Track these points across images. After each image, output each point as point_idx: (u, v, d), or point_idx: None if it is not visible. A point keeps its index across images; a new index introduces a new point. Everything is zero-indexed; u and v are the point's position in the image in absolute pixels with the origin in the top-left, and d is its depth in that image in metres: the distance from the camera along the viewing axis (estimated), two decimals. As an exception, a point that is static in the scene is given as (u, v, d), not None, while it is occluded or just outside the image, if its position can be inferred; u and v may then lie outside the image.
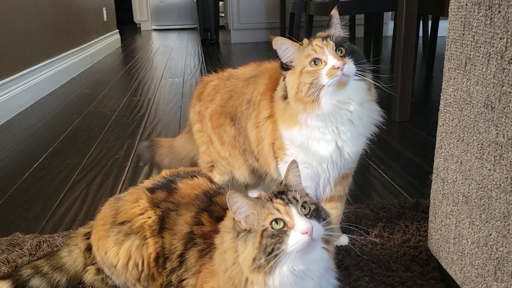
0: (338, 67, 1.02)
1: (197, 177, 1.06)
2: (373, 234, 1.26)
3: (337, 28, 1.10)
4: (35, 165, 1.94)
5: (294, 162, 0.84)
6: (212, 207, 0.95)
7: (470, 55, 0.80)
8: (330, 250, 0.83)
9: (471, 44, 0.79)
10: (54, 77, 3.49)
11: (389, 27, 5.51)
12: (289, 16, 4.13)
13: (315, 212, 0.80)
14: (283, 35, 4.73)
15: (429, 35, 3.60)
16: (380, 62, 3.66)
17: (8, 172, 1.88)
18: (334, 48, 1.05)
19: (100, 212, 1.05)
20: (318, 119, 1.09)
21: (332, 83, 1.03)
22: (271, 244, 0.75)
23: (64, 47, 3.88)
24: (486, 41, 0.74)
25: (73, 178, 1.79)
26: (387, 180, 1.67)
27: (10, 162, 1.99)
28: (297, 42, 1.10)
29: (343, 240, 1.23)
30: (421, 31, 3.87)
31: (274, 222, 0.77)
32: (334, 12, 1.10)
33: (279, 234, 0.76)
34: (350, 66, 1.04)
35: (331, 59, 1.03)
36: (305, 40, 1.10)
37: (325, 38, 1.07)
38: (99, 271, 1.04)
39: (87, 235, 1.08)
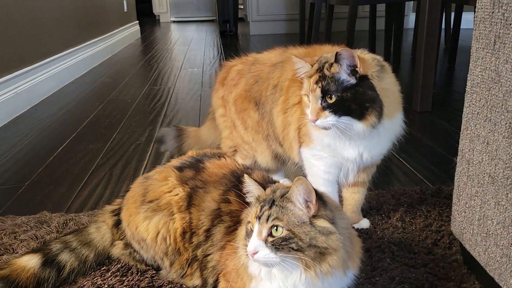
0: (311, 120, 1.05)
1: (224, 158, 1.08)
2: (395, 218, 1.26)
3: (344, 65, 1.03)
4: (59, 149, 1.98)
5: (301, 180, 0.79)
6: (239, 186, 0.97)
7: (499, 33, 0.79)
8: (316, 273, 0.78)
9: (501, 22, 0.79)
10: (76, 65, 3.54)
11: (410, 19, 5.45)
12: (309, 6, 4.10)
13: (282, 241, 0.77)
14: (302, 27, 4.71)
15: (451, 27, 3.54)
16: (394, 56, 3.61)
17: (34, 155, 1.92)
18: (320, 96, 1.03)
19: (130, 190, 1.07)
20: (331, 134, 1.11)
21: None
22: (245, 239, 0.82)
23: (86, 37, 3.93)
24: (516, 18, 0.73)
25: (96, 162, 1.83)
26: (408, 168, 1.66)
27: (35, 146, 2.04)
28: (310, 63, 1.09)
29: (364, 223, 1.24)
30: (443, 23, 3.81)
31: (250, 224, 0.82)
32: (342, 50, 1.01)
33: (248, 234, 0.81)
34: (323, 121, 1.04)
35: (309, 109, 1.05)
36: (315, 66, 1.08)
37: (320, 80, 1.04)
38: (126, 245, 1.07)
39: (114, 212, 1.11)
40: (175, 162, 1.08)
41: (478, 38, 0.87)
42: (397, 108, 1.11)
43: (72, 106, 2.71)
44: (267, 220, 0.78)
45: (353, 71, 1.03)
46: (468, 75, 0.91)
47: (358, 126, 1.04)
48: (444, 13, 3.82)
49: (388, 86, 1.08)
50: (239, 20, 6.72)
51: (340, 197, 1.29)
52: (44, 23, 3.02)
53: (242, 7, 7.28)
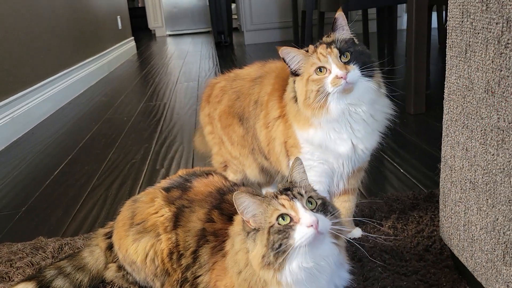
0: (342, 77, 1.04)
1: (212, 175, 1.09)
2: (387, 225, 1.26)
3: (343, 31, 1.09)
4: (56, 172, 2.00)
5: (297, 159, 0.86)
6: (222, 205, 0.97)
7: (469, 42, 0.80)
8: (341, 245, 0.83)
9: (470, 31, 0.80)
10: (72, 86, 3.57)
11: (403, 20, 5.46)
12: (301, 14, 4.13)
13: (322, 207, 0.81)
14: (296, 34, 4.74)
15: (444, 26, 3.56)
16: (388, 58, 3.64)
17: (31, 179, 1.94)
18: (338, 55, 1.06)
19: (119, 214, 1.08)
20: (329, 122, 1.11)
21: (337, 91, 1.06)
22: (278, 240, 0.76)
23: (81, 57, 3.97)
24: (483, 27, 0.74)
25: (92, 183, 1.84)
26: (402, 173, 1.66)
27: (32, 170, 2.06)
28: (303, 50, 1.11)
29: (356, 232, 1.24)
30: (436, 23, 3.83)
31: (280, 218, 0.78)
32: (339, 14, 1.08)
33: (286, 229, 0.77)
34: (353, 73, 1.05)
35: (334, 68, 1.05)
36: (311, 47, 1.11)
37: (329, 44, 1.07)
38: (120, 268, 1.08)
39: (107, 235, 1.12)
40: (164, 183, 1.09)
41: (451, 46, 0.88)
42: (384, 89, 1.15)
43: (69, 128, 2.73)
44: (301, 194, 0.81)
45: (351, 36, 1.10)
46: (445, 82, 0.92)
47: (371, 85, 1.08)
48: (436, 12, 3.84)
49: None
50: (234, 30, 6.77)
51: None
52: (39, 45, 3.06)
53: (236, 17, 7.33)
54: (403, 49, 4.15)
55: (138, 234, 1.00)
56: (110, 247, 1.11)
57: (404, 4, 5.31)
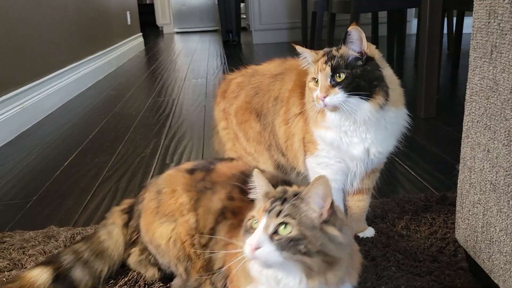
0: (319, 98, 1.06)
1: (236, 160, 1.10)
2: (399, 226, 1.26)
3: (352, 46, 1.07)
4: (66, 163, 2.00)
5: (323, 178, 0.77)
6: (245, 185, 0.96)
7: (496, 43, 0.80)
8: (318, 282, 0.76)
9: (497, 32, 0.80)
10: (81, 79, 3.58)
11: (412, 25, 5.46)
12: (311, 15, 4.13)
13: (290, 241, 0.73)
14: (304, 35, 4.73)
15: (454, 32, 3.55)
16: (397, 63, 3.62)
17: (41, 170, 1.95)
18: (330, 74, 1.06)
19: (145, 200, 1.08)
20: (331, 128, 1.12)
21: (320, 107, 1.08)
22: (243, 236, 0.79)
23: (90, 51, 3.98)
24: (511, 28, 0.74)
25: (102, 175, 1.84)
26: (413, 176, 1.66)
27: (42, 160, 2.06)
28: (315, 52, 1.13)
29: (369, 232, 1.24)
30: (446, 28, 3.82)
31: (252, 219, 0.79)
32: (351, 29, 1.06)
33: (246, 233, 0.79)
34: (332, 98, 1.05)
35: (318, 88, 1.07)
36: (320, 53, 1.12)
37: (329, 59, 1.08)
38: (142, 251, 1.09)
39: (124, 211, 1.13)
40: (188, 164, 1.10)
41: (476, 47, 0.88)
42: (400, 99, 1.14)
43: (78, 120, 2.74)
44: (278, 215, 0.75)
45: (360, 52, 1.07)
46: (467, 83, 0.92)
47: (366, 106, 1.06)
48: (446, 18, 3.84)
49: (390, 75, 1.11)
50: (242, 30, 6.77)
51: (345, 206, 1.29)
52: (49, 38, 3.07)
53: (244, 16, 7.33)
54: (411, 53, 4.15)
55: (162, 218, 1.01)
56: (127, 223, 1.11)
57: (414, 9, 5.32)
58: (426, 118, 2.30)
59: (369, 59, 1.07)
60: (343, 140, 1.12)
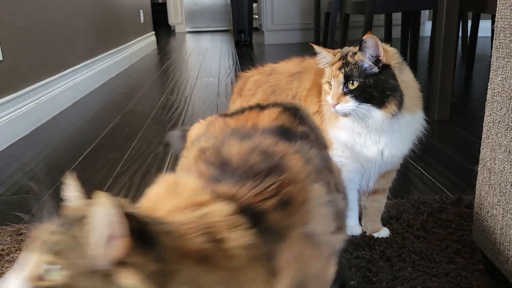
0: (331, 105, 1.07)
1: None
2: (415, 227, 1.25)
3: (368, 54, 1.06)
4: (80, 159, 2.02)
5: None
6: None
7: (520, 42, 0.80)
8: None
9: (522, 32, 0.79)
10: (95, 76, 3.61)
11: (426, 28, 5.43)
12: (324, 16, 4.13)
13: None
14: (317, 36, 4.73)
15: (468, 35, 3.53)
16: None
17: (56, 164, 1.96)
18: (343, 81, 1.07)
19: None
20: (344, 130, 1.13)
21: (331, 112, 1.10)
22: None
23: (104, 48, 4.01)
24: (538, 28, 0.74)
25: (116, 171, 1.85)
26: (427, 177, 1.65)
27: (56, 156, 2.08)
28: (332, 53, 1.13)
29: (384, 232, 1.24)
30: (460, 31, 3.80)
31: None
32: (367, 38, 1.05)
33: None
34: (343, 106, 1.06)
35: (330, 94, 1.08)
36: (337, 55, 1.12)
37: (343, 65, 1.08)
38: None
39: None
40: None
41: (499, 47, 0.87)
42: (417, 104, 1.13)
43: (91, 116, 2.76)
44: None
45: (376, 60, 1.06)
46: (489, 84, 0.92)
47: (377, 114, 1.06)
48: (461, 21, 3.81)
49: (408, 80, 1.11)
50: (254, 30, 6.77)
51: (360, 206, 1.29)
52: (65, 35, 3.09)
53: (256, 16, 7.34)
54: (424, 55, 4.13)
55: None
56: None
57: (427, 12, 5.29)
58: (440, 120, 2.29)
59: (385, 67, 1.06)
60: (356, 141, 1.13)
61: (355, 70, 1.06)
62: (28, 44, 2.53)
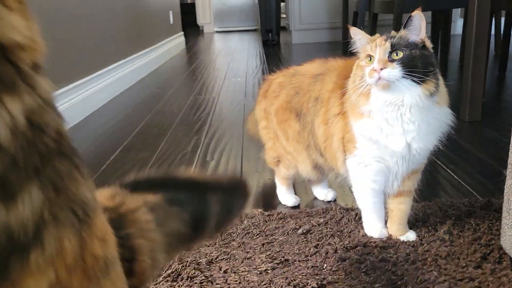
0: (376, 70, 1.06)
1: None
2: (442, 231, 1.24)
3: (412, 31, 1.09)
4: (111, 158, 2.08)
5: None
6: None
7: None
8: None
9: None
10: (126, 77, 3.69)
11: (457, 25, 5.31)
12: (352, 15, 4.10)
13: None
14: (345, 35, 4.69)
15: (501, 33, 3.44)
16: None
17: (88, 163, 2.03)
18: (389, 50, 1.07)
19: None
20: (374, 113, 1.12)
21: (372, 83, 1.09)
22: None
23: (136, 49, 4.10)
24: None
25: (146, 170, 1.90)
26: (456, 180, 1.63)
27: (89, 155, 2.15)
28: (370, 36, 1.15)
29: (411, 235, 1.23)
30: (493, 29, 3.70)
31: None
32: (415, 14, 1.08)
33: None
34: (389, 71, 1.06)
35: (375, 61, 1.08)
36: (377, 35, 1.14)
37: (389, 38, 1.10)
38: None
39: None
40: None
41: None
42: (445, 99, 1.14)
43: (122, 116, 2.83)
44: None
45: (418, 39, 1.09)
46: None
47: (417, 90, 1.07)
48: (494, 19, 3.72)
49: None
50: (281, 29, 6.78)
51: (386, 208, 1.29)
52: (98, 36, 3.18)
53: (284, 16, 7.34)
54: (455, 54, 4.04)
55: None
56: None
57: (459, 9, 5.17)
58: (470, 121, 2.24)
59: (425, 47, 1.10)
60: (383, 130, 1.12)
61: (401, 41, 1.08)
62: (61, 46, 2.61)
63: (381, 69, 1.06)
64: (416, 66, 1.06)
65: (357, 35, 1.17)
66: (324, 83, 1.30)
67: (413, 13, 1.07)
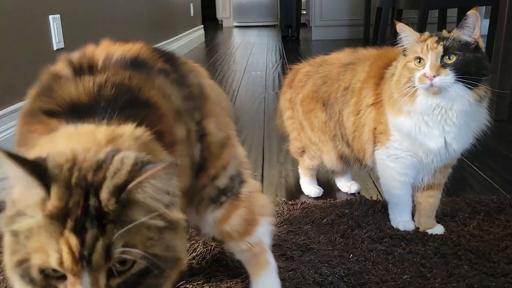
0: (428, 77, 1.02)
1: None
2: (471, 226, 1.22)
3: (467, 31, 1.04)
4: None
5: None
6: None
7: None
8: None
9: None
10: (146, 67, 3.70)
11: (482, 25, 5.21)
12: (375, 11, 4.04)
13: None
14: (366, 32, 4.64)
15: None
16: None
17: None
18: (441, 54, 1.03)
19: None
20: (416, 114, 1.09)
21: (422, 88, 1.05)
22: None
23: (157, 40, 4.10)
24: None
25: (168, 158, 1.90)
26: (482, 177, 1.60)
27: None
28: (418, 33, 1.10)
29: (439, 229, 1.21)
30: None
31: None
32: (471, 13, 1.02)
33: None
34: (442, 78, 1.02)
35: (427, 66, 1.04)
36: (426, 34, 1.09)
37: (440, 40, 1.05)
38: None
39: None
40: None
41: None
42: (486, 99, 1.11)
43: (143, 105, 2.84)
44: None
45: (472, 39, 1.04)
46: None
47: (468, 95, 1.03)
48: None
49: None
50: (301, 25, 6.74)
51: (414, 201, 1.27)
52: (119, 28, 3.19)
53: (304, 12, 7.30)
54: (480, 54, 3.97)
55: None
56: None
57: (484, 9, 5.08)
58: (497, 120, 2.20)
59: (478, 49, 1.05)
60: (421, 130, 1.10)
61: (454, 44, 1.03)
62: (86, 33, 2.63)
63: (433, 76, 1.02)
64: (469, 70, 1.02)
65: (404, 31, 1.10)
66: (355, 72, 1.27)
67: (468, 12, 1.02)
